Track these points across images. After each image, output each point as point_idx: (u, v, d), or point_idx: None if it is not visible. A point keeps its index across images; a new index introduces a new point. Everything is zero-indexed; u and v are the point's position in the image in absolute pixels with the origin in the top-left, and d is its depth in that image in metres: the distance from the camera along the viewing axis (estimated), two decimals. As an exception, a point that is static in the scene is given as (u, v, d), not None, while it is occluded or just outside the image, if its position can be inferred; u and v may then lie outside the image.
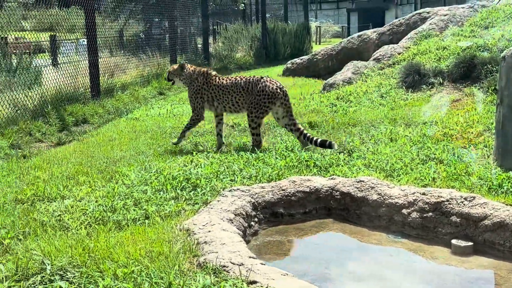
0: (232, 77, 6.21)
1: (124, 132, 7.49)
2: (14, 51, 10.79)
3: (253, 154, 5.73)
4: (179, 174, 5.05)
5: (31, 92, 8.52)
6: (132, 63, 12.75)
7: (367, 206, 4.40)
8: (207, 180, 4.93)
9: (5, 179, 5.38)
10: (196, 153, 5.91)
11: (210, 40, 18.56)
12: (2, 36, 9.73)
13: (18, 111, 7.92)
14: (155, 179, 5.00)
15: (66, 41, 11.94)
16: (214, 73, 6.30)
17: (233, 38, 19.84)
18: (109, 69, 11.33)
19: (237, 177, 4.98)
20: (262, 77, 6.08)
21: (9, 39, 10.71)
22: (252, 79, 6.07)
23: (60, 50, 11.88)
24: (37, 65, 9.83)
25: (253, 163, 5.42)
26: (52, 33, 11.50)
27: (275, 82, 6.02)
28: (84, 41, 12.51)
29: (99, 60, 10.35)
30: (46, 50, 12.74)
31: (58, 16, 10.55)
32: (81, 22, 11.30)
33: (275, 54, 19.78)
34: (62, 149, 6.91)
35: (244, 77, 6.16)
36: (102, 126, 8.53)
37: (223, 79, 6.20)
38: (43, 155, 6.48)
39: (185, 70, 6.28)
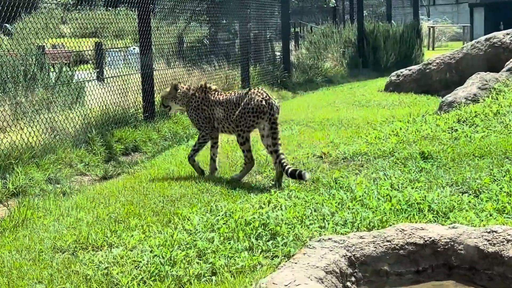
0: (229, 92, 6.91)
1: (184, 164, 7.68)
2: (52, 62, 11.42)
3: (347, 194, 5.73)
4: (254, 218, 5.12)
5: (72, 113, 8.96)
6: (194, 76, 13.12)
7: (502, 266, 4.28)
8: (289, 226, 4.97)
9: (41, 222, 5.66)
10: (275, 192, 5.99)
11: (291, 46, 18.82)
12: (39, 44, 10.34)
13: (57, 137, 8.33)
14: (224, 224, 5.10)
15: (113, 49, 12.52)
16: (214, 87, 6.94)
17: (321, 43, 20.02)
18: (165, 83, 11.71)
19: (328, 224, 4.99)
20: (250, 89, 6.70)
21: (46, 48, 11.35)
22: (241, 92, 6.76)
23: (106, 61, 12.46)
24: (79, 79, 10.34)
25: (349, 205, 5.42)
26: (97, 40, 12.09)
27: (261, 94, 6.53)
28: (135, 48, 13.05)
29: (154, 73, 10.73)
30: (89, 61, 13.40)
31: (104, 19, 11.06)
32: (132, 26, 11.82)
33: (375, 63, 19.78)
34: (109, 184, 7.18)
35: (237, 91, 6.87)
36: (157, 155, 8.80)
37: (221, 95, 6.84)
38: (86, 192, 6.77)
39: (179, 90, 6.94)
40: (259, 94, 6.53)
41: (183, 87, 7.00)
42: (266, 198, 5.78)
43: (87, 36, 12.74)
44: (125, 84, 10.42)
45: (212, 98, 6.83)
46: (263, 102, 6.49)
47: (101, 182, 7.54)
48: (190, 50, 14.44)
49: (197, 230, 5.03)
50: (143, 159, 8.63)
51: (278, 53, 17.67)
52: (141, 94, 10.47)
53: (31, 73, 9.45)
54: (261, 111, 6.49)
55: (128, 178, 7.41)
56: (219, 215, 5.31)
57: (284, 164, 6.33)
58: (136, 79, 10.70)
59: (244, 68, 14.97)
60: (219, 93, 6.88)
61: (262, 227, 4.96)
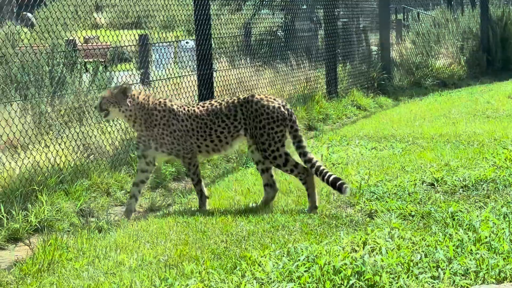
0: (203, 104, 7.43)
1: (253, 191, 7.74)
2: (85, 60, 11.69)
3: (469, 234, 5.66)
4: (345, 264, 5.10)
5: (110, 126, 9.15)
6: (265, 78, 13.20)
7: None
8: (391, 276, 4.93)
9: (72, 266, 5.78)
10: (372, 230, 5.97)
11: (392, 38, 18.71)
12: (68, 37, 10.61)
13: (91, 157, 8.52)
14: (305, 271, 5.10)
15: (161, 44, 12.70)
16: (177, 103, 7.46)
17: (431, 34, 19.83)
18: (228, 87, 11.82)
19: (444, 273, 4.93)
20: (248, 97, 7.28)
21: (78, 42, 11.63)
22: (230, 101, 7.35)
23: (152, 59, 12.65)
24: (119, 82, 10.54)
25: (471, 249, 5.34)
26: (141, 32, 12.32)
27: (272, 99, 7.24)
28: (188, 42, 13.21)
29: (214, 74, 10.84)
30: (131, 59, 13.65)
31: (150, 5, 11.24)
32: (185, 14, 11.97)
33: (504, 61, 19.43)
34: (156, 218, 7.28)
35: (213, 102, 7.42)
36: (217, 181, 8.89)
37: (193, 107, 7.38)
38: (128, 228, 6.86)
39: (130, 97, 7.25)
40: (270, 99, 7.17)
41: (138, 95, 7.31)
42: (360, 238, 5.76)
43: (128, 27, 12.96)
44: (176, 89, 10.55)
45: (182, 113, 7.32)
46: (282, 108, 7.13)
47: (147, 214, 7.64)
48: (260, 45, 14.53)
49: (270, 279, 5.04)
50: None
51: (374, 48, 17.59)
52: (197, 101, 10.58)
53: (58, 74, 9.69)
54: (284, 118, 7.10)
55: (181, 210, 7.50)
56: (299, 260, 5.30)
57: (324, 171, 6.95)
58: (190, 82, 10.82)
59: (330, 68, 14.98)
60: (186, 107, 7.41)
61: (356, 277, 4.93)
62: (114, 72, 11.00)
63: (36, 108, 8.88)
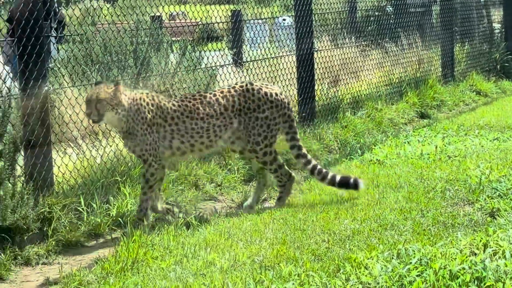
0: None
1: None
2: (171, 38, 11.80)
3: None
4: (463, 269, 5.05)
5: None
6: (371, 59, 13.13)
7: None
8: (517, 283, 4.87)
9: (158, 265, 5.88)
10: (494, 231, 5.89)
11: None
12: (154, 14, 10.74)
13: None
14: (418, 276, 5.07)
15: (255, 21, 12.72)
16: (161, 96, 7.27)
17: None
18: (331, 70, 11.81)
19: None
20: (241, 84, 7.41)
21: (164, 19, 11.74)
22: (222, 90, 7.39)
23: (245, 37, 12.68)
24: (209, 63, 10.59)
25: None
26: (233, 7, 12.36)
27: (268, 85, 7.44)
28: (285, 20, 13.23)
29: (315, 54, 10.84)
30: (222, 37, 13.71)
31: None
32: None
33: None
34: (250, 214, 7.34)
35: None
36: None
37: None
38: (219, 224, 6.94)
39: (120, 94, 6.84)
40: (269, 87, 7.36)
41: (125, 92, 6.96)
42: (480, 240, 5.68)
43: (219, 2, 13.01)
44: (272, 71, 10.58)
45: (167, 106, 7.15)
46: (282, 96, 7.36)
47: (240, 210, 7.72)
48: (366, 22, 14.45)
49: (378, 283, 5.02)
50: (298, 179, 8.73)
51: (497, 26, 17.27)
52: (295, 84, 10.60)
53: (143, 54, 9.82)
54: (283, 107, 7.32)
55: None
56: (410, 263, 5.27)
57: (324, 171, 7.46)
58: (288, 63, 10.84)
59: (446, 48, 14.80)
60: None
61: (476, 283, 4.88)
62: (204, 52, 11.07)
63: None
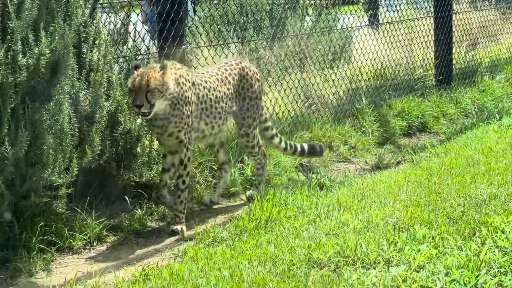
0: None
1: (496, 151, 7.56)
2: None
3: None
4: None
5: (334, 73, 9.24)
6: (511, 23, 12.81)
7: None
8: None
9: (291, 224, 5.92)
10: None
11: None
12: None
13: (312, 107, 8.63)
14: (557, 242, 4.95)
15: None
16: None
17: None
18: (469, 33, 11.57)
19: None
20: (233, 61, 6.90)
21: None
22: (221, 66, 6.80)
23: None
24: (345, 25, 10.51)
25: None
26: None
27: (249, 66, 6.94)
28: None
29: (453, 16, 10.63)
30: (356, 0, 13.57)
31: None
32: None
33: None
34: (384, 175, 7.30)
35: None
36: (454, 138, 8.77)
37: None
38: (352, 186, 6.94)
39: (168, 78, 6.01)
40: (250, 64, 6.99)
41: (173, 69, 6.18)
42: None
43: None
44: (409, 33, 10.45)
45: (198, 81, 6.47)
46: (259, 74, 6.97)
47: (373, 172, 7.69)
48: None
49: (515, 248, 4.94)
50: (433, 142, 8.63)
51: None
52: (432, 47, 10.44)
53: (279, 15, 9.82)
54: (263, 86, 7.05)
55: (412, 168, 7.47)
56: (550, 229, 5.17)
57: (294, 146, 7.13)
58: (425, 25, 10.68)
59: None
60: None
61: None
62: (340, 13, 10.98)
63: (254, 51, 9.04)
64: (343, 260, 5.05)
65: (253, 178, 7.12)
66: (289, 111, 8.38)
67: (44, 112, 5.48)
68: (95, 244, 5.86)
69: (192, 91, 6.19)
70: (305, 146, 7.12)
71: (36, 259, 5.35)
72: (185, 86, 6.10)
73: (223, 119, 6.54)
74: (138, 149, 6.37)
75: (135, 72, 5.85)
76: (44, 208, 5.65)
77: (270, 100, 8.25)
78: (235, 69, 6.69)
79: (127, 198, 6.35)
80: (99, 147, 5.93)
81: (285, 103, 8.40)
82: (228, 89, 6.57)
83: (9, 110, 5.28)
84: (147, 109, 5.79)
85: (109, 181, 6.29)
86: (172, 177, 6.35)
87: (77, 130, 5.75)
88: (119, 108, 6.19)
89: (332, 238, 5.46)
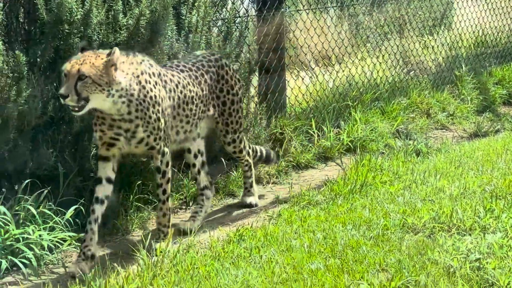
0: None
1: None
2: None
3: None
4: None
5: (434, 39, 9.08)
6: None
7: None
8: None
9: (386, 189, 5.89)
10: None
11: None
12: None
13: (411, 73, 8.54)
14: None
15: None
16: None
17: None
18: None
19: None
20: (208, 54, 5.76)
21: None
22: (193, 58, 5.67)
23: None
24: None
25: None
26: None
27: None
28: None
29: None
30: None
31: None
32: None
33: None
34: (482, 143, 7.19)
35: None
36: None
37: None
38: (450, 153, 6.85)
39: (114, 69, 4.75)
40: (230, 66, 5.82)
41: (125, 59, 4.87)
42: None
43: None
44: (512, 0, 10.27)
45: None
46: (238, 75, 5.95)
47: (471, 140, 7.58)
48: None
49: None
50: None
51: None
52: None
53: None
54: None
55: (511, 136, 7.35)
56: None
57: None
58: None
59: None
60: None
61: None
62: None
63: (353, 16, 8.96)
64: (438, 226, 5.00)
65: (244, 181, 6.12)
66: (387, 77, 8.31)
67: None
68: (190, 204, 5.91)
69: (159, 86, 4.99)
70: (264, 152, 6.24)
71: (133, 217, 5.44)
72: (149, 84, 4.90)
73: (192, 124, 5.37)
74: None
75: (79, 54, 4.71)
76: (141, 168, 5.71)
77: (368, 66, 8.17)
78: (213, 66, 5.59)
79: (223, 160, 6.38)
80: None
81: (383, 69, 8.32)
82: (202, 90, 5.44)
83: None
84: (75, 102, 4.56)
85: (206, 143, 6.32)
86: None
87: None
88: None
89: (428, 204, 5.41)
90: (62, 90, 4.55)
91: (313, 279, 4.24)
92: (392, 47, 8.55)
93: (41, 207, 4.89)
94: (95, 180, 4.95)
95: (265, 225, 5.28)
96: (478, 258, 4.43)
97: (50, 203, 4.96)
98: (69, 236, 4.92)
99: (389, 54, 8.48)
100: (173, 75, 5.19)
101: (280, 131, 6.88)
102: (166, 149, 5.04)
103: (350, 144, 7.13)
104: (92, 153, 5.36)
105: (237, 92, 5.73)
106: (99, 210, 4.81)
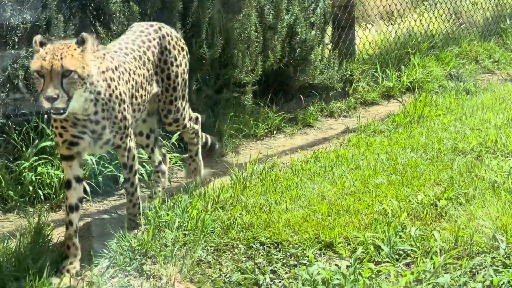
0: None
1: None
2: None
3: None
4: None
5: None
6: None
7: None
8: None
9: (440, 120, 5.79)
10: None
11: None
12: None
13: (462, 25, 8.38)
14: None
15: None
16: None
17: None
18: None
19: None
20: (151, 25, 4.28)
21: None
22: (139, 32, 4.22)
23: None
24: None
25: None
26: None
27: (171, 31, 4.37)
28: None
29: None
30: None
31: None
32: None
33: None
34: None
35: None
36: None
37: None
38: (495, 92, 6.71)
39: (89, 59, 3.56)
40: (172, 34, 4.29)
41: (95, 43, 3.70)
42: None
43: None
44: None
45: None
46: (182, 43, 4.41)
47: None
48: None
49: None
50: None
51: None
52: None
53: None
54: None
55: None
56: None
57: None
58: None
59: None
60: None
61: None
62: None
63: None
64: (484, 150, 4.95)
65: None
66: (441, 29, 8.16)
67: (235, 22, 5.50)
68: (274, 133, 5.90)
69: (122, 80, 3.81)
70: (209, 140, 4.84)
71: (227, 142, 5.44)
72: (114, 81, 3.73)
73: (142, 111, 4.12)
74: (312, 56, 6.30)
75: (41, 50, 3.45)
76: (233, 102, 5.70)
77: (426, 19, 8.04)
78: (154, 39, 4.16)
79: (301, 96, 6.35)
80: (279, 53, 5.93)
81: (438, 22, 8.15)
82: (148, 70, 4.11)
83: (207, 19, 5.33)
84: (64, 102, 3.38)
85: (287, 82, 6.28)
86: None
87: (261, 38, 5.74)
88: (297, 20, 6.14)
89: (476, 132, 5.35)
90: (49, 92, 3.30)
91: (377, 191, 4.22)
92: (446, 3, 8.39)
93: (151, 133, 4.94)
94: (65, 185, 3.71)
95: (336, 149, 5.24)
96: (519, 175, 4.37)
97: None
98: (174, 156, 4.98)
99: (443, 9, 8.32)
100: (124, 62, 3.87)
101: (350, 73, 6.80)
102: (132, 144, 3.90)
103: (409, 84, 7.01)
104: (193, 88, 5.37)
105: (180, 63, 4.27)
106: (76, 218, 3.64)
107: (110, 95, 3.65)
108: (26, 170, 4.40)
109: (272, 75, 6.12)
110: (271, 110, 5.97)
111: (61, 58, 3.36)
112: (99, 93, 3.57)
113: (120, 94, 3.73)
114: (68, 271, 3.47)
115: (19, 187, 4.37)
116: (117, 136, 3.75)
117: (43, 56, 3.37)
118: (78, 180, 3.68)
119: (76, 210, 3.64)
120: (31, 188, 4.39)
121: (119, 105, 3.72)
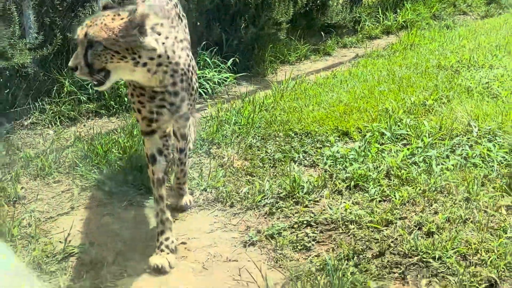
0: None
1: None
2: None
3: None
4: None
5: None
6: None
7: None
8: None
9: (427, 47, 5.67)
10: None
11: None
12: None
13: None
14: None
15: None
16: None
17: None
18: None
19: None
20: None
21: None
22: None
23: None
24: None
25: None
26: None
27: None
28: None
29: None
30: None
31: None
32: None
33: None
34: (489, 20, 6.84)
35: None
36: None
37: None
38: (468, 26, 6.55)
39: (146, 28, 2.35)
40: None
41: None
42: None
43: None
44: None
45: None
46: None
47: (482, 20, 7.21)
48: None
49: None
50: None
51: None
52: None
53: None
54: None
55: (510, 15, 6.95)
56: None
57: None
58: None
59: None
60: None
61: None
62: None
63: None
64: (461, 65, 4.85)
65: None
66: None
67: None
68: (302, 60, 5.83)
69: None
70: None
71: (267, 66, 5.39)
72: (187, 50, 2.62)
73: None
74: (330, 2, 6.19)
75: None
76: (272, 37, 5.63)
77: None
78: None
79: (322, 33, 6.24)
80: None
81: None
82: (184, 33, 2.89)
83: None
84: (86, 75, 2.30)
85: (312, 22, 6.17)
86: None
87: (292, -12, 5.64)
88: (319, -26, 6.01)
89: (454, 54, 5.25)
90: (70, 62, 2.28)
91: (381, 96, 4.17)
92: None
93: (212, 58, 4.92)
94: (149, 160, 2.63)
95: (349, 68, 5.17)
96: (487, 81, 4.27)
97: (218, 56, 4.98)
98: (230, 75, 4.96)
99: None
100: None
101: (358, 15, 6.67)
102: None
103: (403, 23, 6.86)
104: (242, 26, 5.31)
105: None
106: (165, 192, 2.66)
107: (189, 65, 2.56)
108: (122, 86, 4.41)
109: (300, 16, 6.02)
110: (299, 42, 5.89)
111: (90, 26, 2.30)
112: (177, 64, 2.48)
113: (193, 66, 2.66)
114: (167, 247, 2.59)
115: (118, 99, 4.40)
116: (184, 110, 2.61)
117: (84, 24, 2.32)
118: (160, 152, 2.63)
119: (163, 183, 2.63)
120: (125, 99, 4.42)
121: (193, 74, 2.65)
